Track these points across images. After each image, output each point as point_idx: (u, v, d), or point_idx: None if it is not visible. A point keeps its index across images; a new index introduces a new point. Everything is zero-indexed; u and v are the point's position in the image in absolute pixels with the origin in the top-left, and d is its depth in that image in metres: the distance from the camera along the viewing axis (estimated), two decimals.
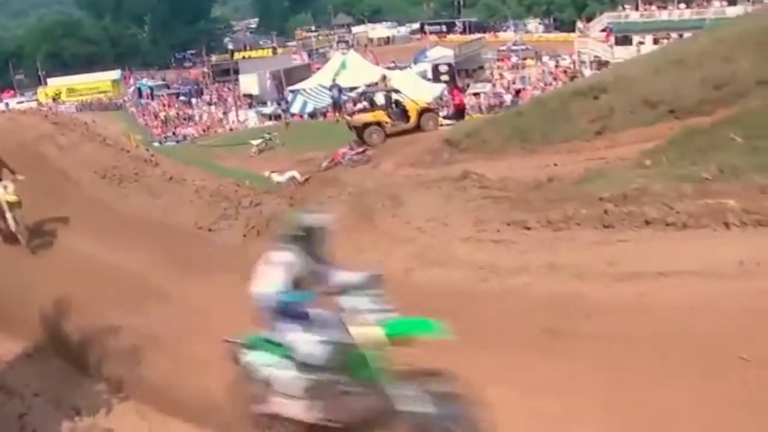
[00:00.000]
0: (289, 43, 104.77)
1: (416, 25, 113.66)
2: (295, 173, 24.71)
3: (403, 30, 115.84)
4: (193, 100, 64.40)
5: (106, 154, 19.27)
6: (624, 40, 62.98)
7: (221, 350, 7.20)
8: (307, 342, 6.44)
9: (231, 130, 50.28)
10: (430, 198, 15.48)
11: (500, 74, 59.07)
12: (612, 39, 64.94)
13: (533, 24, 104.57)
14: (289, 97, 50.06)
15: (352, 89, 43.53)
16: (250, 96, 58.03)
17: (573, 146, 19.40)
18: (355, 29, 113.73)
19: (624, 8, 68.23)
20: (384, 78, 36.61)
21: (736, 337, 7.41)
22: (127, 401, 9.04)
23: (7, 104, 65.27)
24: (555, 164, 17.95)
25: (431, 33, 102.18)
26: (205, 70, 79.15)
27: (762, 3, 50.02)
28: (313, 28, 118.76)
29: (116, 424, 8.60)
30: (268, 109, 51.54)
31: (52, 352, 10.20)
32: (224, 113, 55.43)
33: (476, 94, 46.85)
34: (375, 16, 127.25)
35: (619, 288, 9.28)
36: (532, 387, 7.37)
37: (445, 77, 50.76)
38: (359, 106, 33.80)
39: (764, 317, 7.58)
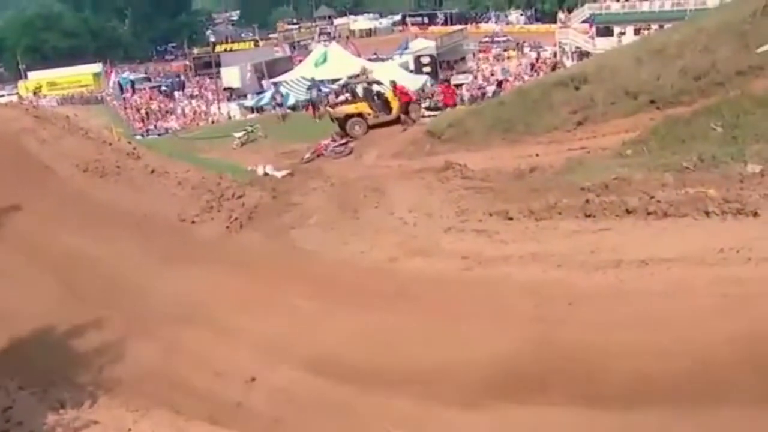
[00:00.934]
0: (271, 36, 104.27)
1: (398, 17, 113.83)
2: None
3: (385, 22, 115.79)
4: (176, 93, 64.05)
5: (88, 148, 19.14)
6: (605, 31, 63.06)
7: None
8: None
9: (213, 122, 49.98)
10: (412, 189, 15.54)
11: (481, 65, 58.99)
12: (593, 30, 65.10)
13: (515, 15, 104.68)
14: (271, 89, 49.78)
15: (333, 81, 43.46)
16: (230, 89, 57.77)
17: (555, 136, 19.50)
18: (336, 21, 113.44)
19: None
20: (364, 70, 36.47)
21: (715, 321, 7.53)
22: (112, 393, 9.05)
23: None
24: (537, 154, 18.05)
25: (413, 24, 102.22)
26: (187, 62, 78.65)
27: None
28: (294, 20, 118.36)
29: (101, 416, 8.60)
30: (250, 102, 51.24)
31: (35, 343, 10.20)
32: (207, 105, 55.14)
33: (458, 86, 46.80)
34: (357, 8, 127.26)
35: (600, 276, 9.35)
36: None
37: (427, 69, 50.75)
38: (341, 98, 33.81)
39: (743, 302, 7.71)
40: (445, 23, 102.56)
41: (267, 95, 49.09)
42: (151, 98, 61.58)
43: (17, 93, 72.21)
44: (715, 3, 46.08)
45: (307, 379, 8.87)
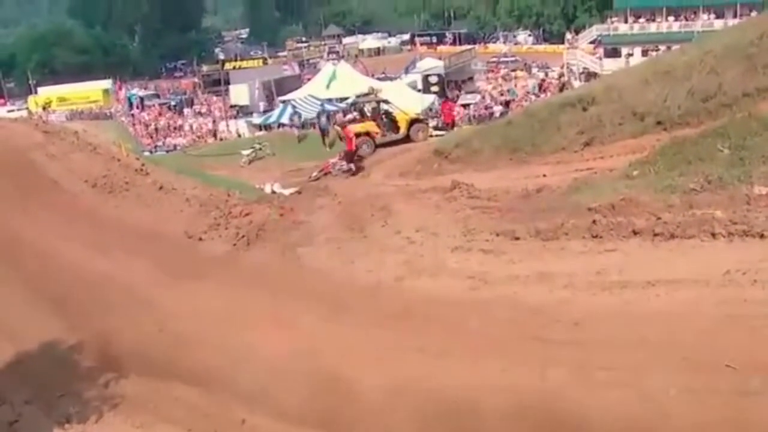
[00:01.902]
0: (280, 54, 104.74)
1: (407, 37, 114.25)
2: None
3: (394, 41, 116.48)
4: (185, 110, 64.32)
5: (97, 163, 19.25)
6: (613, 52, 63.32)
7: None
8: None
9: (221, 139, 50.15)
10: (419, 208, 15.56)
11: (488, 86, 59.10)
12: (601, 51, 65.32)
13: (523, 35, 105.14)
14: (288, 109, 49.92)
15: (342, 100, 43.57)
16: (237, 106, 58.08)
17: (562, 157, 19.48)
18: (345, 40, 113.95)
19: (613, 21, 68.45)
20: (372, 90, 36.58)
21: (721, 345, 7.51)
22: (118, 409, 9.07)
23: None
24: (544, 175, 18.03)
25: (421, 44, 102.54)
26: (196, 80, 79.07)
27: (749, 15, 50.44)
28: (303, 38, 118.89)
29: (106, 431, 8.62)
30: (258, 119, 51.37)
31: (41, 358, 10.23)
32: (213, 122, 55.36)
33: (466, 106, 46.88)
34: (365, 27, 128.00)
35: (606, 297, 9.35)
36: None
37: (435, 88, 50.83)
38: (349, 116, 33.89)
39: (749, 324, 7.69)
40: (454, 43, 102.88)
41: (279, 113, 48.91)
42: (160, 114, 61.88)
43: (27, 108, 72.55)
44: (723, 25, 46.25)
45: (312, 397, 8.87)
